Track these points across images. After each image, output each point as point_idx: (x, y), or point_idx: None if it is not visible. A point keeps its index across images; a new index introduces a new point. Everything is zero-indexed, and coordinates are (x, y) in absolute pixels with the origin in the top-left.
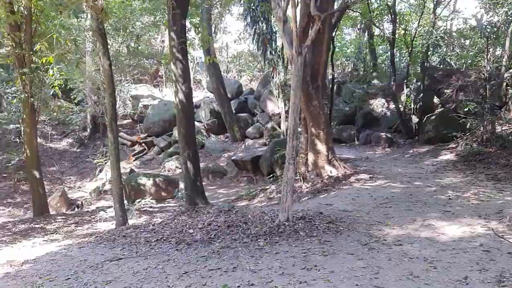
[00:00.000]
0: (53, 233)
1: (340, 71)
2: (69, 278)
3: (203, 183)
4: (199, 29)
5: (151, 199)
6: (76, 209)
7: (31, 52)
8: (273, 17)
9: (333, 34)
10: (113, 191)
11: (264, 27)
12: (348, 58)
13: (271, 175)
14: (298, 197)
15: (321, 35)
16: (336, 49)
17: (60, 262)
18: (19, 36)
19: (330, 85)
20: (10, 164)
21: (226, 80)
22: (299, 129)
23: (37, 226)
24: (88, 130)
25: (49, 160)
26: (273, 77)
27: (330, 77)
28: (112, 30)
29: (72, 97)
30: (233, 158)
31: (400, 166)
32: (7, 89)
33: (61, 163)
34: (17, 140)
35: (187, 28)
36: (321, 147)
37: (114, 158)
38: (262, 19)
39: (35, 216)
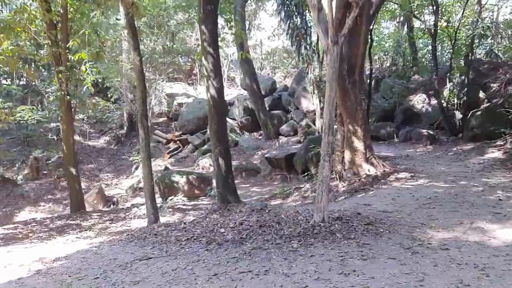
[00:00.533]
0: (87, 230)
1: (378, 66)
2: (97, 278)
3: (236, 181)
4: (232, 23)
5: (183, 196)
6: (112, 206)
7: (67, 50)
8: (308, 11)
9: (371, 26)
10: (145, 188)
11: (299, 22)
12: (386, 53)
13: (306, 174)
14: (334, 197)
15: (359, 27)
16: (374, 43)
17: (90, 260)
18: (55, 35)
19: (368, 80)
20: (50, 162)
21: (259, 77)
22: (335, 126)
23: (72, 222)
24: (125, 128)
25: (87, 158)
26: (307, 73)
27: (367, 71)
28: (146, 27)
29: (109, 95)
30: (266, 155)
31: (443, 165)
32: (48, 88)
33: (98, 160)
34: (55, 138)
35: (220, 26)
36: (358, 144)
37: (145, 155)
38: (296, 13)
39: (72, 212)
